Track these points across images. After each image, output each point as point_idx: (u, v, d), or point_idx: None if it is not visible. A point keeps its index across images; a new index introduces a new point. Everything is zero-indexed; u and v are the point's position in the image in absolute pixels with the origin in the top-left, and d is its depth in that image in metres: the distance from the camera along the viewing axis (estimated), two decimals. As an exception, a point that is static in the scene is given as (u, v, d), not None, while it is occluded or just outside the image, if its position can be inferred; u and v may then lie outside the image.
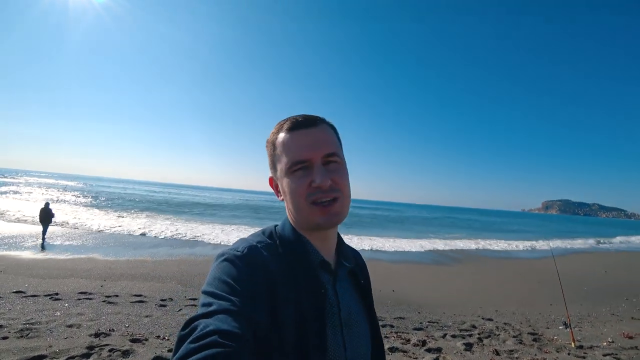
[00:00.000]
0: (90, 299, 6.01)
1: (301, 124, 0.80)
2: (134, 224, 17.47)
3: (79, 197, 36.81)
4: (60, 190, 46.94)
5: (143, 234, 14.55)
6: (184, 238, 14.35)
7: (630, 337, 5.51)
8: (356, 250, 1.03)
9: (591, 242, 27.50)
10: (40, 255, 9.27)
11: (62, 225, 15.04)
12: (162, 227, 17.08)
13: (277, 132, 0.83)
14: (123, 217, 20.51)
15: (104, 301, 5.93)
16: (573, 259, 16.81)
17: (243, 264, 0.70)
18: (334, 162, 0.80)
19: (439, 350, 4.69)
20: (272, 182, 0.89)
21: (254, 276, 0.70)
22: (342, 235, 0.92)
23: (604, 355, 4.67)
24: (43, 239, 11.24)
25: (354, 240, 16.40)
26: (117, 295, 6.36)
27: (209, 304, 0.63)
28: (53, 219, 12.15)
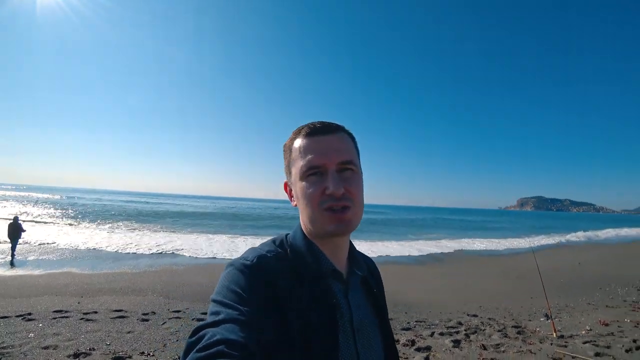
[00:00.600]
0: (66, 317, 5.72)
1: (319, 130, 0.80)
2: (111, 235, 16.84)
3: (51, 209, 35.15)
4: (31, 203, 44.67)
5: (121, 246, 14.03)
6: (164, 248, 13.93)
7: (607, 324, 5.76)
8: (369, 258, 1.03)
9: (565, 236, 28.79)
10: (10, 273, 8.77)
11: (33, 240, 14.28)
12: (140, 237, 16.55)
13: (295, 137, 0.83)
14: (99, 229, 19.73)
15: (81, 319, 5.65)
16: (549, 253, 17.49)
17: (252, 273, 0.70)
18: (349, 169, 0.79)
19: (428, 348, 4.74)
20: (287, 187, 0.89)
21: (263, 285, 0.69)
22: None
23: (584, 342, 4.86)
24: (12, 255, 10.62)
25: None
26: (95, 312, 6.08)
27: (217, 313, 0.64)
28: (23, 234, 11.53)
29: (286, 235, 0.86)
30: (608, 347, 4.68)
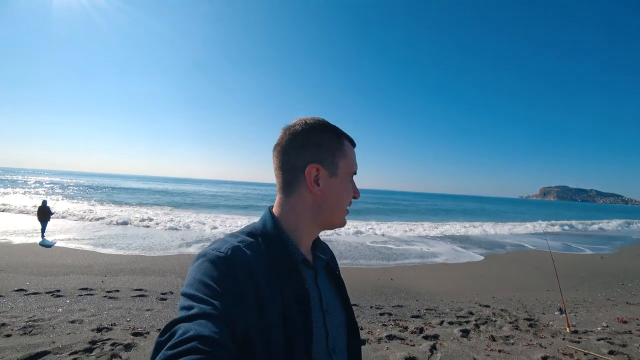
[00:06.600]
0: (91, 294, 6.07)
1: (354, 144, 0.95)
2: (132, 218, 17.47)
3: (75, 192, 36.73)
4: (54, 186, 46.76)
5: (144, 228, 14.58)
6: (184, 232, 14.39)
7: (625, 322, 5.60)
8: (325, 242, 1.06)
9: (588, 228, 27.72)
10: (40, 253, 9.30)
11: (63, 219, 15.05)
12: (161, 220, 17.08)
13: (340, 139, 0.89)
14: (121, 212, 20.48)
15: (105, 296, 5.99)
16: (569, 245, 16.95)
17: (226, 265, 0.68)
18: None
19: (435, 337, 4.76)
20: (313, 170, 0.83)
21: (238, 278, 0.67)
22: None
23: (598, 339, 4.75)
24: (42, 236, 11.27)
25: (360, 227, 16.48)
26: (117, 290, 6.41)
27: (190, 307, 0.61)
28: (51, 217, 12.18)
29: (255, 224, 0.86)
30: (624, 346, 4.57)
